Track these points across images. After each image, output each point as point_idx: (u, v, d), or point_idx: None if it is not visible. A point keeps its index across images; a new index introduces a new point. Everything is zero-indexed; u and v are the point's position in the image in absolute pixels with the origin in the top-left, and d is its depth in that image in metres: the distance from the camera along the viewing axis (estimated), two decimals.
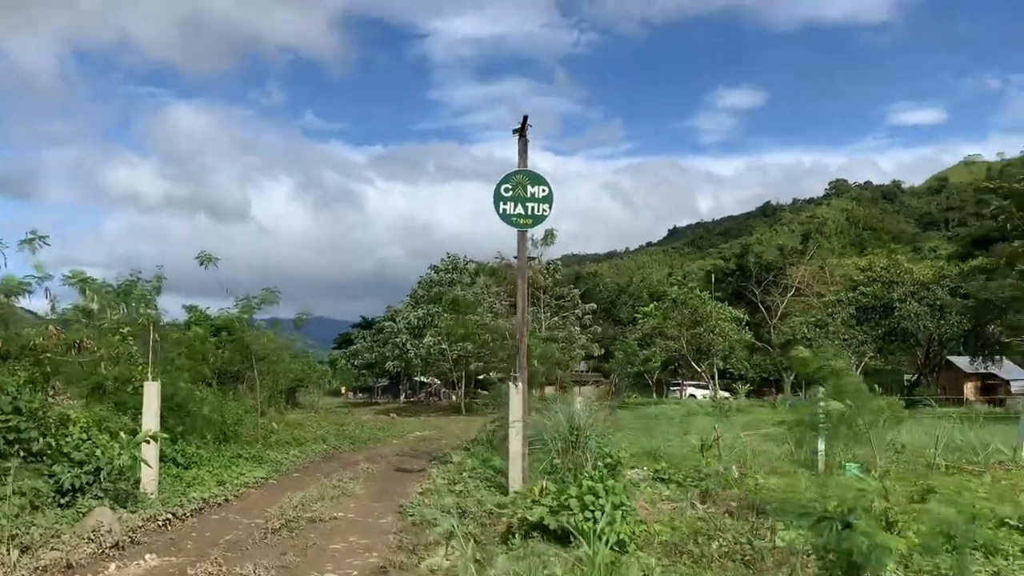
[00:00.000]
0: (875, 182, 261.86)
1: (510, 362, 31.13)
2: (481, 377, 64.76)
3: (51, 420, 11.81)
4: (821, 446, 14.81)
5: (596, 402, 13.50)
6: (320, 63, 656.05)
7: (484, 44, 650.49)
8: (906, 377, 64.71)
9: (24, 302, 16.64)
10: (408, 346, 54.22)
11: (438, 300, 52.29)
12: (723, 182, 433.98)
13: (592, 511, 8.58)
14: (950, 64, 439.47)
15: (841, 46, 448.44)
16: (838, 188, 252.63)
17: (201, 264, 20.99)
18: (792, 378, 63.74)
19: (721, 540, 8.89)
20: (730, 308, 55.71)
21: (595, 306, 56.75)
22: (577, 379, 52.82)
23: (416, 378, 78.39)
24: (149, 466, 12.27)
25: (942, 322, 51.40)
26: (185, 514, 11.28)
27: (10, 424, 10.93)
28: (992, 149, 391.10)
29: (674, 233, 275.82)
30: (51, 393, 14.23)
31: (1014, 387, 56.37)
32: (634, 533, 8.58)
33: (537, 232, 24.00)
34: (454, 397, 69.68)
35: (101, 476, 10.70)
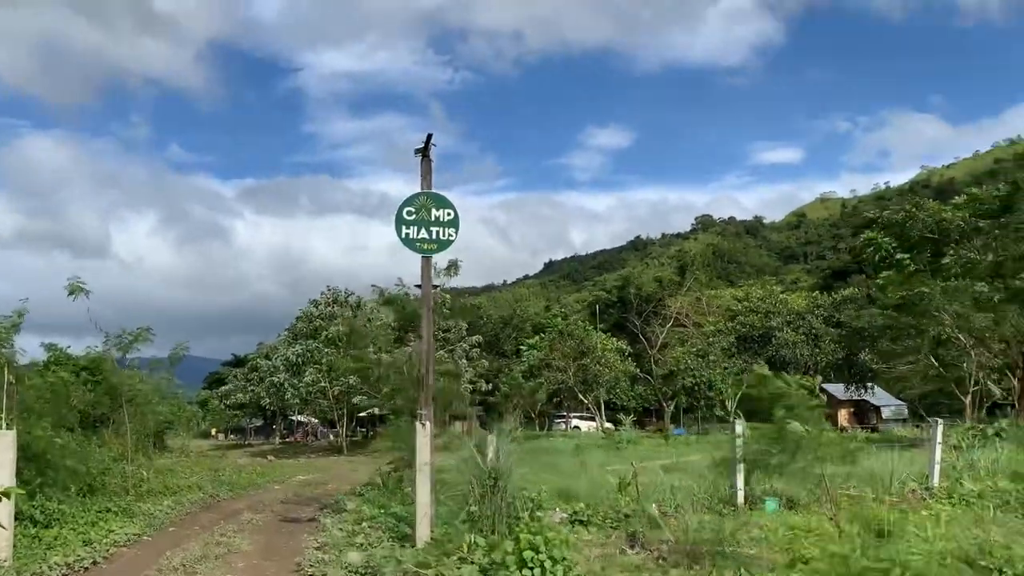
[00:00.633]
0: (738, 218, 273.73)
1: (404, 397, 29.83)
2: (364, 414, 62.71)
3: None
4: (740, 481, 14.34)
5: (511, 440, 12.38)
6: (187, 95, 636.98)
7: (358, 79, 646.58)
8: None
9: None
10: (286, 384, 51.75)
11: (317, 335, 50.18)
12: (595, 217, 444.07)
13: (532, 568, 7.59)
14: (803, 107, 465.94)
15: (703, 88, 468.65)
16: (704, 223, 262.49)
17: (70, 294, 18.86)
18: (672, 407, 64.60)
19: None
20: (613, 339, 55.91)
21: (481, 339, 55.86)
22: (461, 414, 51.69)
23: (292, 417, 75.39)
24: (3, 527, 10.49)
25: (817, 350, 53.10)
26: None
27: None
28: (844, 186, 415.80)
29: (550, 266, 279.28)
30: None
31: (885, 413, 58.69)
32: None
33: (440, 261, 22.88)
34: (332, 436, 67.14)
35: None
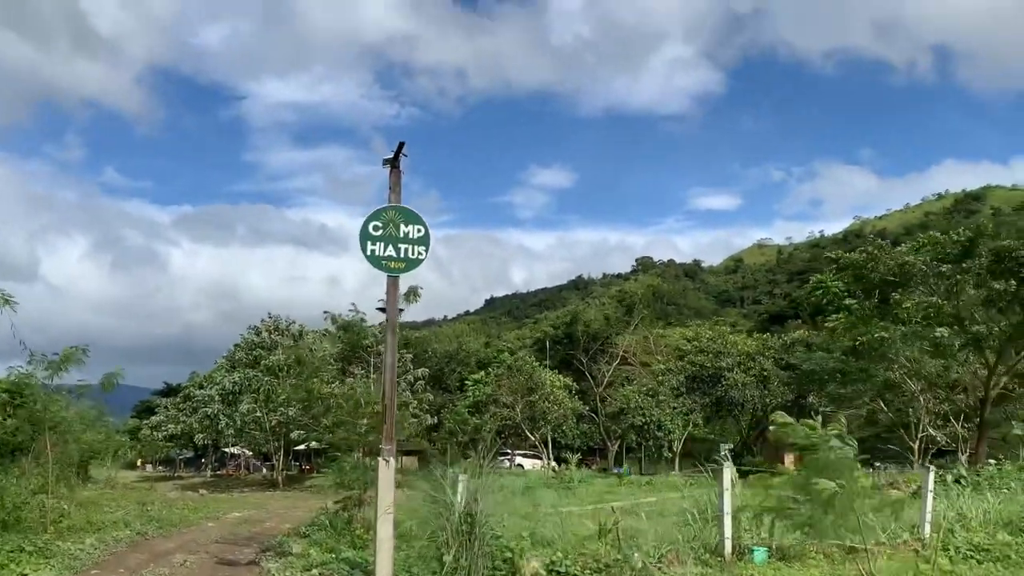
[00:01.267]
0: (677, 260, 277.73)
1: (348, 429, 28.28)
2: (301, 447, 60.48)
3: None
4: (728, 531, 13.31)
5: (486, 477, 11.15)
6: (125, 118, 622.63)
7: (303, 109, 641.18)
8: (724, 447, 66.06)
9: None
10: (220, 415, 49.45)
11: (257, 363, 48.14)
12: (536, 255, 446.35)
13: None
14: (739, 155, 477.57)
15: (644, 133, 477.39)
16: (644, 265, 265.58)
17: None
18: (617, 447, 63.70)
19: None
20: (560, 376, 54.99)
21: (427, 371, 54.41)
22: (407, 449, 50.11)
23: (225, 449, 72.55)
24: None
25: (766, 391, 52.84)
26: None
27: None
28: (778, 233, 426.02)
29: (491, 303, 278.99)
30: None
31: None
32: None
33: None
34: (265, 470, 64.62)
35: None
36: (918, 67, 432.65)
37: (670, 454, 55.64)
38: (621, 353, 64.12)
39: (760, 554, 12.93)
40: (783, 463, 60.82)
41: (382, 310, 13.77)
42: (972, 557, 12.54)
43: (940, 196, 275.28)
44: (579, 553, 12.45)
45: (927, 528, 14.20)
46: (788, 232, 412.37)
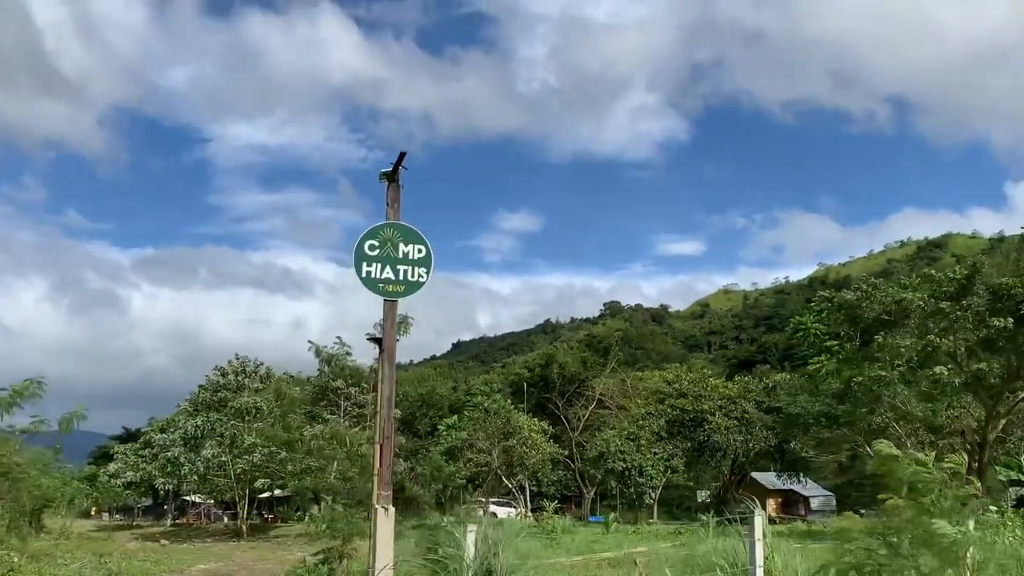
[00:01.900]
0: (644, 305, 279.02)
1: (317, 478, 26.82)
2: (266, 495, 58.15)
3: None
4: None
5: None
6: (88, 160, 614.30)
7: (269, 152, 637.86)
8: (701, 493, 64.84)
9: None
10: (183, 459, 47.19)
11: (223, 405, 46.09)
12: (503, 300, 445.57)
13: None
14: (703, 202, 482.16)
15: (611, 179, 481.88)
16: (612, 309, 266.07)
17: None
18: (593, 493, 62.15)
19: None
20: (536, 420, 53.61)
21: (399, 413, 52.65)
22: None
23: (185, 497, 69.81)
24: None
25: (749, 436, 51.78)
26: None
27: None
28: (741, 278, 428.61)
29: (458, 347, 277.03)
30: None
31: (814, 504, 57.55)
32: None
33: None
34: (227, 519, 62.13)
35: None
36: (876, 118, 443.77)
37: (651, 501, 54.20)
38: (598, 396, 62.87)
39: None
40: (765, 509, 59.71)
41: (375, 339, 12.51)
42: None
43: (903, 243, 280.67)
44: None
45: None
46: (751, 278, 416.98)
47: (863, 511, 51.33)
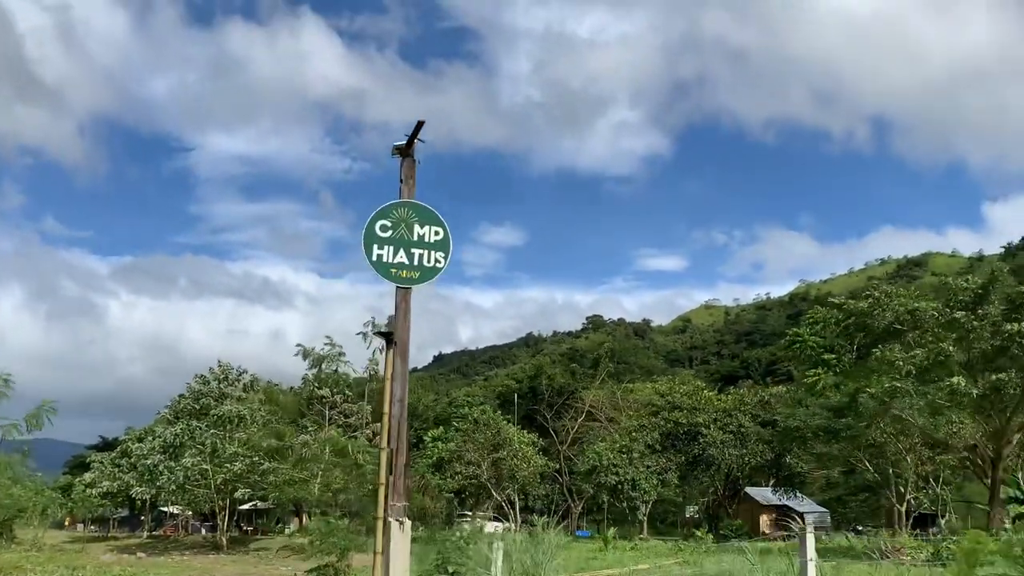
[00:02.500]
0: (625, 320, 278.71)
1: (299, 489, 25.55)
2: (247, 507, 56.52)
3: None
4: None
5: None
6: (67, 167, 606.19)
7: (251, 162, 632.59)
8: (689, 508, 63.68)
9: None
10: (162, 468, 45.57)
11: (204, 413, 44.58)
12: (484, 313, 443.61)
13: None
14: (684, 218, 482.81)
15: (593, 194, 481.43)
16: (595, 323, 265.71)
17: None
18: (581, 507, 60.95)
19: None
20: (525, 432, 52.40)
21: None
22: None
23: (162, 508, 68.02)
24: None
25: (744, 450, 50.77)
26: None
27: None
28: (722, 294, 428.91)
29: (440, 360, 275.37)
30: None
31: (809, 520, 56.29)
32: None
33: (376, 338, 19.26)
34: (205, 531, 60.48)
35: None
36: (856, 137, 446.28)
37: (644, 516, 53.02)
38: (588, 408, 61.75)
39: None
40: (759, 525, 58.78)
41: (383, 334, 11.20)
42: None
43: (883, 261, 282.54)
44: None
45: None
46: (732, 294, 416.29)
47: (860, 527, 50.54)
